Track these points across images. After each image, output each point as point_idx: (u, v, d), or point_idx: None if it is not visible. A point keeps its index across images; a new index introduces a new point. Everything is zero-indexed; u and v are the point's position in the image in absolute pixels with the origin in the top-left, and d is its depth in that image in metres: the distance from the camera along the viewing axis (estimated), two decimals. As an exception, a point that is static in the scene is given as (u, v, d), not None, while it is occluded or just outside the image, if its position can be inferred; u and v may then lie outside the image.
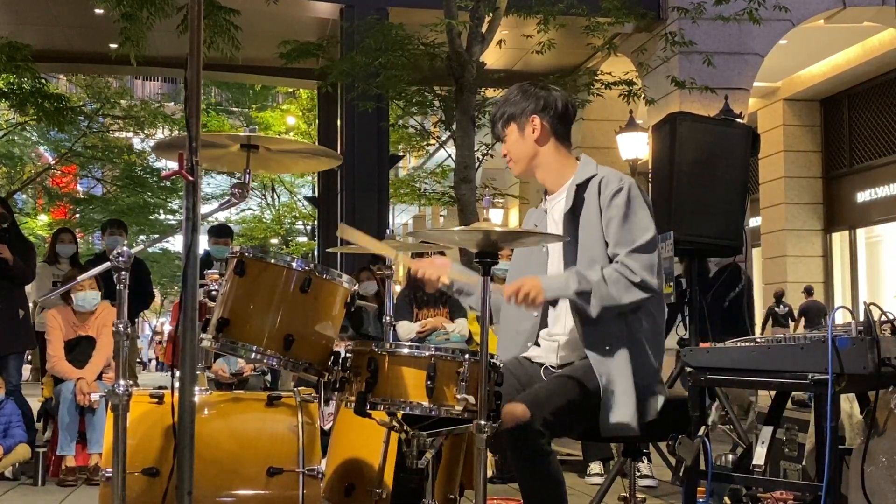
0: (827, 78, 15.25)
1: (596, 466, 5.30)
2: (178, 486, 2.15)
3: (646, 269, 2.65)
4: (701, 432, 2.69)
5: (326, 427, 4.48)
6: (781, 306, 14.41)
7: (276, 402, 3.15)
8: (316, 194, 17.66)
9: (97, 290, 5.65)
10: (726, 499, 3.10)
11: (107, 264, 2.42)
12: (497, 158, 13.13)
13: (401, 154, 17.56)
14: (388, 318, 3.68)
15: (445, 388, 2.45)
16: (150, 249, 20.06)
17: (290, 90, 21.08)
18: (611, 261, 2.71)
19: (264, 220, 25.14)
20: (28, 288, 6.35)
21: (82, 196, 24.21)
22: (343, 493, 3.24)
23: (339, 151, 11.18)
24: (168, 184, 19.92)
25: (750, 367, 2.65)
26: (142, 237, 22.51)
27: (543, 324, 2.90)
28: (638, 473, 3.31)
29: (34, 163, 22.89)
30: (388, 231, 3.62)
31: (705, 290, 4.89)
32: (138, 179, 21.37)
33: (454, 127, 9.37)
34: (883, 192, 15.13)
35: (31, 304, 6.52)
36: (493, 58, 10.54)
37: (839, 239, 16.13)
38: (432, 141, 13.53)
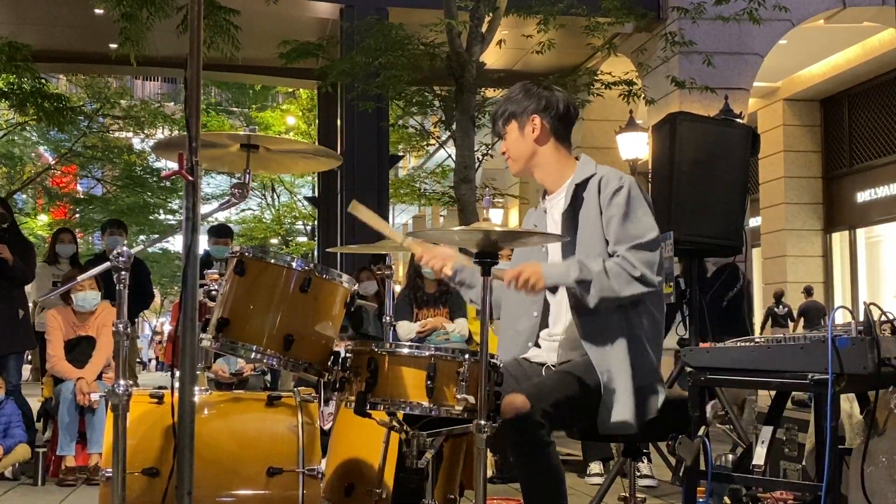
0: (827, 78, 15.25)
1: (596, 466, 5.30)
2: (178, 486, 2.15)
3: (646, 264, 2.65)
4: (701, 432, 2.69)
5: (326, 427, 4.48)
6: (781, 307, 14.41)
7: (276, 402, 3.15)
8: (316, 194, 17.66)
9: (97, 290, 5.65)
10: (726, 499, 3.10)
11: (107, 264, 2.43)
12: (497, 158, 13.12)
13: (401, 154, 17.57)
14: (388, 318, 3.68)
15: (445, 388, 2.45)
16: (150, 249, 20.07)
17: (290, 90, 21.08)
18: (611, 257, 2.71)
19: (264, 220, 25.14)
20: (28, 288, 6.35)
21: (82, 196, 24.21)
22: (343, 493, 3.24)
23: (339, 151, 11.20)
24: (168, 184, 19.93)
25: (750, 367, 2.65)
26: (142, 237, 22.52)
27: (544, 324, 2.90)
28: (638, 473, 3.31)
29: (34, 163, 22.89)
30: (388, 231, 3.61)
31: (703, 290, 4.89)
32: (138, 179, 21.37)
33: (454, 127, 9.37)
34: (883, 192, 15.13)
35: (30, 304, 6.52)
36: (493, 58, 10.54)
37: (839, 239, 16.14)
38: (432, 141, 13.53)
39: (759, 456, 2.73)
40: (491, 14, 8.78)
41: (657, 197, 4.58)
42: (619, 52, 10.75)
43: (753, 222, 16.14)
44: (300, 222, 24.78)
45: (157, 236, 21.92)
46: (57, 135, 20.35)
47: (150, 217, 23.02)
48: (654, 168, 4.89)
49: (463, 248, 2.91)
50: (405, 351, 2.52)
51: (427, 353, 2.48)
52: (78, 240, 7.82)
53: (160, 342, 23.78)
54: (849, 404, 3.23)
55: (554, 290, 2.77)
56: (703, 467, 2.69)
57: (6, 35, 11.53)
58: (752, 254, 13.73)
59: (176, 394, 2.22)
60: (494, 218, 2.49)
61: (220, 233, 6.82)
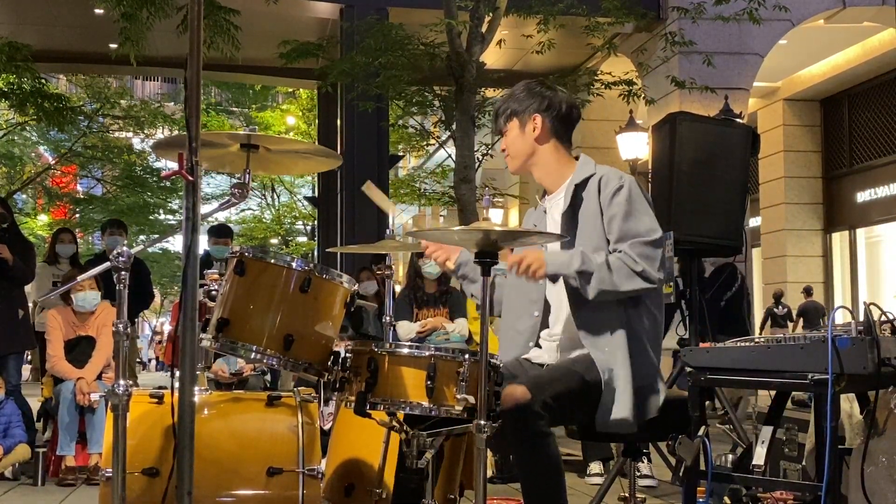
0: (827, 78, 15.25)
1: (596, 466, 5.30)
2: (178, 486, 2.15)
3: (648, 260, 2.65)
4: (701, 432, 2.69)
5: (326, 427, 4.48)
6: (780, 307, 14.41)
7: (276, 402, 3.15)
8: (316, 194, 17.67)
9: (97, 290, 5.64)
10: (726, 499, 3.10)
11: (107, 264, 2.42)
12: (497, 158, 13.12)
13: (401, 154, 17.57)
14: (388, 318, 3.68)
15: (445, 388, 2.45)
16: (150, 249, 20.07)
17: (290, 90, 21.09)
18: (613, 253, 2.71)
19: (264, 220, 25.14)
20: (28, 288, 6.34)
21: (82, 196, 24.21)
22: (343, 493, 3.24)
23: (339, 151, 11.19)
24: (168, 184, 19.94)
25: (750, 367, 2.65)
26: (142, 237, 22.52)
27: (544, 324, 2.90)
28: (638, 473, 3.31)
29: (34, 163, 22.89)
30: (388, 231, 3.61)
31: (702, 290, 4.89)
32: (138, 179, 21.38)
33: (454, 127, 9.37)
34: (883, 192, 15.13)
35: (30, 304, 6.52)
36: (493, 58, 10.54)
37: (839, 239, 16.14)
38: (432, 141, 13.54)
39: (759, 456, 2.73)
40: (491, 14, 8.78)
41: (657, 197, 4.58)
42: (619, 52, 10.75)
43: (753, 222, 16.14)
44: (300, 222, 24.78)
45: (157, 236, 21.93)
46: (57, 135, 20.36)
47: (150, 217, 23.03)
48: (654, 168, 4.89)
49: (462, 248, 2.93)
50: (405, 351, 2.52)
51: (427, 353, 2.48)
52: (78, 240, 7.82)
53: (160, 342, 23.78)
54: (849, 404, 3.23)
55: (554, 279, 2.76)
56: (703, 467, 2.69)
57: (6, 35, 11.53)
58: (752, 254, 13.73)
59: (176, 394, 2.22)
60: (494, 218, 2.49)
61: (220, 233, 6.81)
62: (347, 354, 2.60)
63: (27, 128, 19.67)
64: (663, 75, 10.68)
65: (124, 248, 2.37)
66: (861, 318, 2.46)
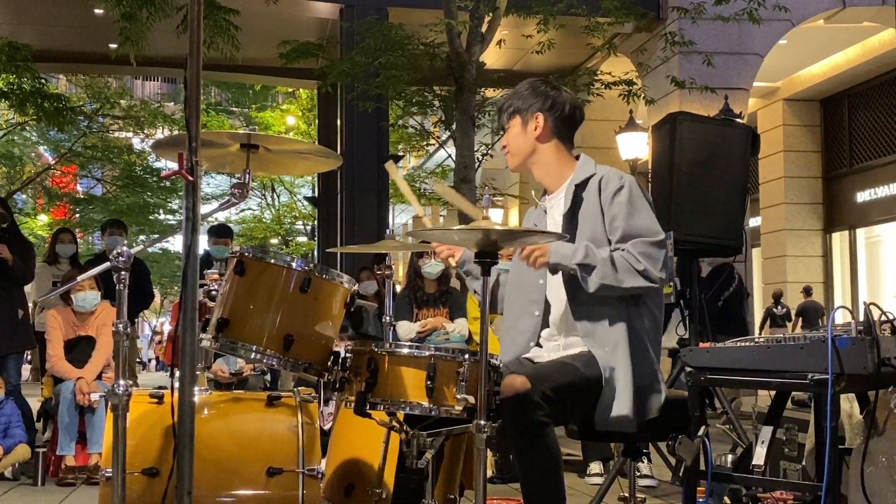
0: (827, 78, 15.25)
1: (596, 466, 5.30)
2: (177, 486, 2.15)
3: (650, 260, 2.65)
4: (701, 432, 2.69)
5: (326, 427, 4.48)
6: (780, 307, 14.42)
7: (276, 402, 3.15)
8: (316, 194, 17.66)
9: (97, 290, 5.64)
10: (726, 499, 3.10)
11: (107, 264, 2.42)
12: (497, 158, 13.13)
13: (401, 154, 17.56)
14: (388, 318, 3.68)
15: (445, 388, 2.45)
16: (150, 249, 20.08)
17: (290, 90, 21.08)
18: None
19: (264, 220, 25.14)
20: (28, 288, 6.34)
21: (82, 196, 24.21)
22: (343, 493, 3.24)
23: (339, 151, 11.20)
24: (168, 184, 19.93)
25: (750, 367, 2.65)
26: (142, 237, 22.52)
27: (545, 324, 2.90)
28: (638, 473, 3.32)
29: (34, 163, 22.89)
30: (388, 231, 3.61)
31: (691, 290, 4.88)
32: (138, 179, 21.38)
33: (454, 127, 9.38)
34: (883, 192, 15.13)
35: (30, 304, 6.52)
36: (492, 58, 10.55)
37: (839, 239, 16.14)
38: (432, 141, 13.54)
39: (759, 456, 2.73)
40: (491, 14, 8.79)
41: (657, 197, 4.58)
42: (619, 52, 10.76)
43: (753, 222, 16.14)
44: (300, 222, 24.78)
45: (157, 236, 21.93)
46: (57, 135, 20.36)
47: (150, 217, 23.02)
48: (654, 168, 4.89)
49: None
50: (405, 351, 2.52)
51: (427, 354, 2.48)
52: (78, 240, 7.82)
53: (160, 342, 23.77)
54: (849, 404, 3.23)
55: (554, 271, 2.76)
56: (703, 467, 2.69)
57: (6, 35, 11.53)
58: (752, 254, 13.73)
59: (176, 394, 2.21)
60: (494, 218, 2.49)
61: (220, 233, 6.81)
62: (347, 354, 2.60)
63: (27, 128, 19.67)
64: (663, 75, 10.68)
65: (124, 248, 2.37)
66: (861, 318, 2.46)
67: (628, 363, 2.66)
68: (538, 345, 2.89)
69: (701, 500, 2.83)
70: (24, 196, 22.97)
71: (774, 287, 15.21)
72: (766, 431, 2.78)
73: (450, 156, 10.64)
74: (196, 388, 2.33)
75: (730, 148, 4.72)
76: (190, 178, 2.14)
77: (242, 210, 24.81)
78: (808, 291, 14.61)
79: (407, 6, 11.77)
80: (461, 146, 8.75)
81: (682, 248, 4.68)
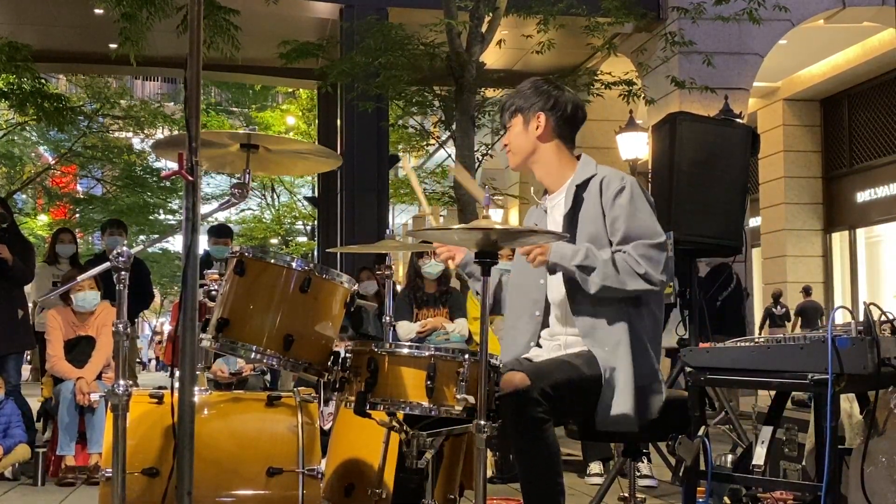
0: (827, 78, 15.26)
1: (596, 466, 5.30)
2: (177, 486, 2.15)
3: (651, 262, 2.66)
4: (701, 432, 2.69)
5: (326, 427, 4.48)
6: (779, 307, 14.43)
7: (276, 402, 3.15)
8: (316, 194, 17.67)
9: (97, 290, 5.64)
10: (726, 499, 3.10)
11: (107, 264, 2.42)
12: (497, 158, 13.14)
13: (401, 154, 17.56)
14: (388, 318, 3.68)
15: (445, 388, 2.45)
16: (150, 249, 20.07)
17: (290, 90, 21.09)
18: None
19: (264, 220, 25.14)
20: (28, 288, 6.34)
21: (82, 196, 24.21)
22: (343, 493, 3.24)
23: (339, 151, 11.20)
24: (168, 184, 19.93)
25: (750, 367, 2.65)
26: (142, 237, 22.52)
27: (545, 324, 2.90)
28: (638, 473, 3.31)
29: (34, 163, 22.89)
30: (388, 231, 3.61)
31: (691, 290, 4.89)
32: (138, 179, 21.38)
33: (454, 127, 9.37)
34: (883, 192, 15.13)
35: (30, 304, 6.52)
36: (492, 58, 10.55)
37: (839, 239, 16.14)
38: (432, 141, 13.54)
39: (759, 456, 2.73)
40: (491, 14, 8.79)
41: (657, 197, 4.56)
42: (619, 52, 10.76)
43: (753, 222, 16.14)
44: (300, 222, 24.78)
45: (157, 236, 21.94)
46: (57, 135, 20.36)
47: (150, 217, 23.02)
48: (654, 168, 4.89)
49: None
50: (405, 351, 2.52)
51: (427, 354, 2.48)
52: (78, 240, 7.82)
53: (160, 342, 23.78)
54: (849, 404, 3.23)
55: (552, 271, 2.76)
56: (703, 467, 2.69)
57: (6, 35, 11.53)
58: (752, 254, 13.72)
59: (176, 394, 2.21)
60: (494, 217, 2.49)
61: (220, 233, 6.81)
62: (347, 354, 2.59)
63: (27, 128, 19.67)
64: (663, 75, 10.68)
65: (124, 248, 2.37)
66: (861, 318, 2.46)
67: (629, 363, 2.66)
68: (538, 345, 2.90)
69: (701, 500, 2.83)
70: (24, 196, 22.97)
71: (774, 287, 15.22)
72: (766, 431, 2.78)
73: (450, 156, 10.65)
74: (196, 388, 2.33)
75: (730, 148, 4.72)
76: (190, 178, 2.14)
77: (242, 210, 24.84)
78: (807, 291, 14.62)
79: (407, 6, 11.76)
80: (461, 146, 8.75)
81: (682, 248, 4.68)
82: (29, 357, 11.57)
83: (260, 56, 13.13)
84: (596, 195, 2.78)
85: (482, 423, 2.31)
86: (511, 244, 2.75)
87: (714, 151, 4.67)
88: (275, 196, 24.96)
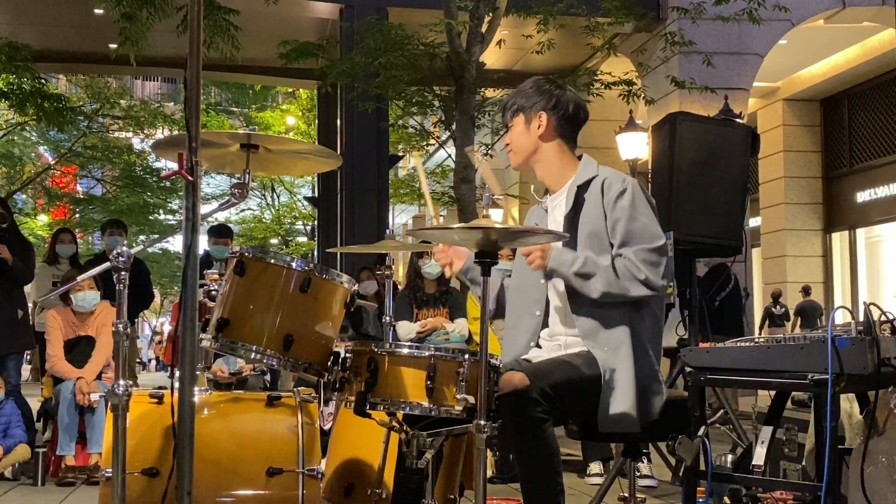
0: (827, 78, 15.26)
1: (596, 466, 5.30)
2: (177, 486, 2.15)
3: (651, 267, 2.65)
4: (701, 432, 2.69)
5: (326, 427, 4.48)
6: (778, 306, 14.45)
7: (276, 403, 3.15)
8: (316, 194, 17.67)
9: (96, 290, 5.64)
10: (726, 499, 3.10)
11: (106, 264, 2.42)
12: (497, 158, 13.14)
13: (401, 154, 17.57)
14: (388, 318, 3.67)
15: (445, 388, 2.45)
16: (150, 249, 20.07)
17: (290, 90, 21.09)
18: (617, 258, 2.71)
19: (264, 220, 25.15)
20: (28, 288, 6.34)
21: (82, 196, 24.22)
22: (343, 494, 3.24)
23: (339, 151, 11.20)
24: (168, 184, 19.95)
25: (750, 367, 2.65)
26: (142, 237, 22.53)
27: (545, 324, 2.90)
28: (638, 473, 3.31)
29: (34, 163, 22.90)
30: (388, 231, 3.61)
31: (691, 290, 4.88)
32: (138, 179, 21.39)
33: (454, 127, 9.38)
34: (883, 192, 15.14)
35: (30, 305, 6.52)
36: (492, 58, 10.55)
37: (839, 239, 16.14)
38: (432, 141, 13.54)
39: (759, 456, 2.73)
40: (491, 14, 8.79)
41: (657, 197, 4.54)
42: (618, 52, 10.76)
43: (753, 222, 16.14)
44: (300, 222, 24.79)
45: (157, 236, 21.94)
46: (57, 135, 20.37)
47: (150, 217, 23.03)
48: (654, 168, 4.89)
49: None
50: (405, 351, 2.52)
51: (427, 354, 2.48)
52: (78, 240, 7.82)
53: (160, 342, 23.77)
54: (849, 404, 3.23)
55: (549, 276, 2.76)
56: (703, 467, 2.69)
57: (6, 35, 11.54)
58: (752, 254, 13.73)
59: (176, 394, 2.21)
60: (494, 217, 2.49)
61: (220, 233, 6.81)
62: (347, 354, 2.59)
63: (27, 128, 19.68)
64: (663, 75, 10.68)
65: (124, 248, 2.37)
66: (861, 318, 2.46)
67: (631, 364, 2.66)
68: (537, 345, 2.89)
69: (701, 500, 2.83)
70: (24, 196, 22.98)
71: (774, 287, 15.22)
72: (766, 431, 2.78)
73: (450, 156, 10.65)
74: (196, 388, 2.33)
75: (730, 148, 4.72)
76: (190, 178, 2.14)
77: (242, 210, 24.85)
78: (806, 291, 14.64)
79: (407, 6, 11.77)
80: (461, 146, 8.75)
81: (682, 248, 4.68)
82: (29, 357, 11.57)
83: (260, 56, 13.14)
84: (597, 196, 2.77)
85: (482, 423, 2.31)
86: (511, 244, 2.74)
87: (714, 151, 4.67)
88: (275, 196, 24.96)
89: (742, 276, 8.49)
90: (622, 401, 2.63)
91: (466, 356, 2.48)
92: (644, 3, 10.76)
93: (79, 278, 4.71)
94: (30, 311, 6.26)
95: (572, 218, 2.80)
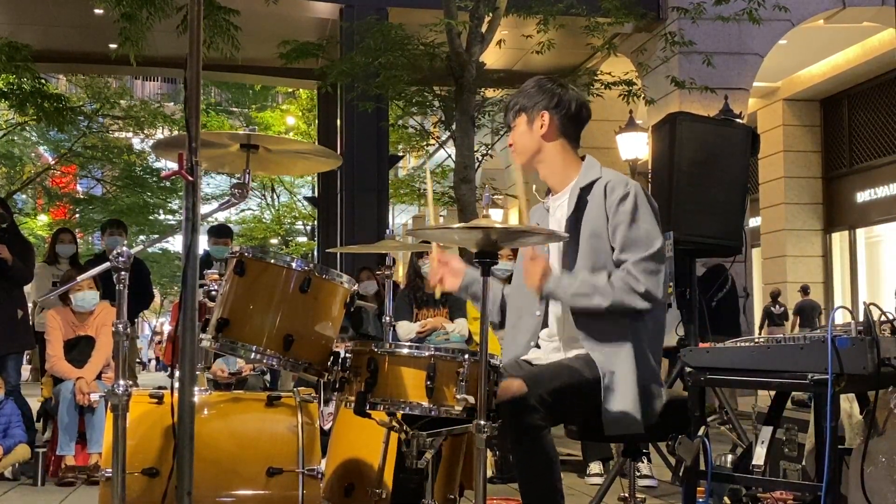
0: (827, 78, 15.26)
1: (596, 466, 5.30)
2: (177, 486, 2.15)
3: (651, 277, 2.65)
4: (701, 432, 2.69)
5: (326, 427, 4.48)
6: (777, 306, 14.46)
7: (276, 403, 3.15)
8: (316, 194, 17.67)
9: (95, 289, 5.64)
10: (726, 499, 3.10)
11: (106, 264, 2.42)
12: (497, 158, 13.16)
13: (401, 154, 17.57)
14: (388, 318, 3.67)
15: (445, 388, 2.45)
16: (150, 249, 20.08)
17: (290, 90, 21.09)
18: (616, 265, 2.71)
19: (264, 220, 25.15)
20: (28, 288, 6.34)
21: (82, 196, 24.22)
22: (343, 494, 3.24)
23: (338, 151, 11.20)
24: (168, 184, 19.95)
25: (750, 367, 2.65)
26: (142, 237, 22.52)
27: (544, 324, 2.89)
28: (638, 473, 3.32)
29: (34, 163, 22.90)
30: (388, 231, 3.62)
31: (691, 290, 4.89)
32: (138, 179, 21.39)
33: (454, 127, 9.38)
34: (883, 192, 15.14)
35: (30, 305, 6.52)
36: (492, 58, 10.55)
37: (839, 239, 16.15)
38: (432, 141, 13.55)
39: (759, 456, 2.73)
40: (491, 14, 8.79)
41: (657, 197, 4.56)
42: (618, 52, 10.76)
43: (753, 222, 16.15)
44: (300, 222, 24.79)
45: (157, 236, 21.93)
46: (57, 135, 20.37)
47: (150, 217, 23.03)
48: (653, 168, 4.89)
49: (462, 247, 2.92)
50: (405, 351, 2.52)
51: (427, 354, 2.48)
52: (78, 240, 7.82)
53: (160, 342, 23.78)
54: (849, 404, 3.23)
55: (543, 297, 2.77)
56: (703, 467, 2.69)
57: (6, 35, 11.54)
58: (751, 254, 13.73)
59: (176, 394, 2.21)
60: (494, 217, 2.49)
61: (220, 233, 6.82)
62: (347, 354, 2.59)
63: (27, 128, 19.68)
64: (663, 75, 10.69)
65: (124, 248, 2.37)
66: (861, 318, 2.46)
67: (632, 365, 2.65)
68: (537, 345, 2.89)
69: (701, 500, 2.83)
70: (24, 196, 22.98)
71: (774, 287, 15.23)
72: (766, 431, 2.78)
73: (450, 156, 10.65)
74: (196, 388, 2.33)
75: (730, 148, 4.72)
76: (190, 178, 2.14)
77: (242, 210, 24.86)
78: (805, 290, 14.66)
79: (407, 6, 11.77)
80: (461, 146, 8.76)
81: (682, 248, 4.69)
82: (29, 357, 11.58)
83: (260, 56, 13.14)
84: (600, 199, 2.76)
85: (482, 423, 2.31)
86: (511, 244, 2.73)
87: (714, 151, 4.67)
88: (275, 196, 24.97)
89: (742, 276, 8.50)
90: (625, 402, 2.63)
91: (466, 356, 2.48)
92: (644, 3, 10.76)
93: (78, 278, 4.71)
94: (30, 311, 6.26)
95: (574, 221, 2.79)
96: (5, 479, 5.33)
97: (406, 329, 5.76)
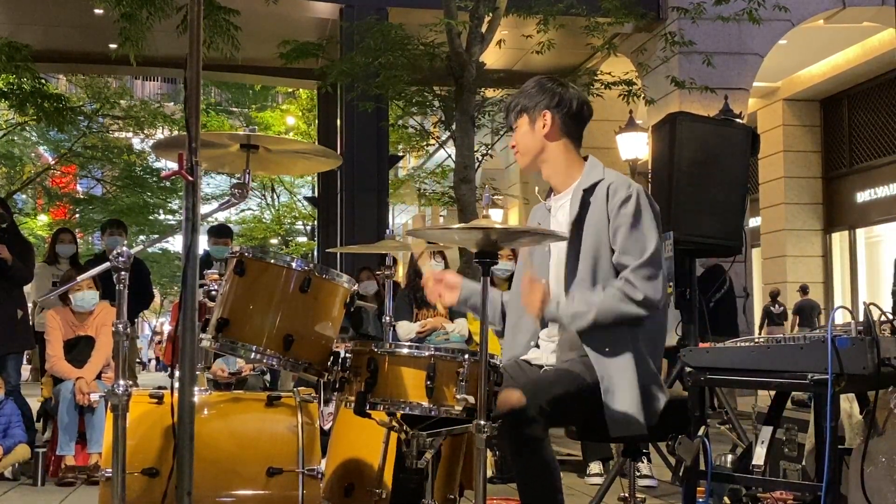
0: (827, 78, 15.26)
1: (596, 466, 5.30)
2: (177, 486, 2.15)
3: (649, 283, 2.64)
4: (701, 432, 2.69)
5: (326, 427, 4.48)
6: (777, 305, 14.46)
7: (276, 402, 3.15)
8: (316, 194, 17.68)
9: (95, 289, 5.64)
10: (726, 499, 3.10)
11: (106, 264, 2.42)
12: (497, 158, 13.16)
13: (401, 154, 17.57)
14: (387, 318, 3.67)
15: (445, 388, 2.45)
16: (150, 249, 20.08)
17: (290, 90, 21.10)
18: (616, 269, 2.71)
19: (264, 220, 25.15)
20: (28, 288, 6.34)
21: (82, 196, 24.22)
22: (343, 494, 3.24)
23: (338, 151, 11.20)
24: (168, 184, 19.95)
25: (750, 367, 2.65)
26: (142, 237, 22.52)
27: (543, 324, 2.89)
28: (638, 473, 3.31)
29: (34, 163, 22.90)
30: (388, 231, 3.62)
31: (692, 290, 4.89)
32: (138, 179, 21.40)
33: (454, 127, 9.38)
34: (883, 192, 15.14)
35: (30, 305, 6.51)
36: (492, 58, 10.55)
37: (839, 239, 16.15)
38: (432, 141, 13.55)
39: (759, 456, 2.73)
40: (491, 14, 8.79)
41: (657, 197, 4.56)
42: (618, 52, 10.76)
43: (753, 222, 16.15)
44: (300, 222, 24.79)
45: (157, 236, 21.93)
46: (57, 135, 20.37)
47: (150, 217, 23.03)
48: (653, 168, 4.89)
49: (462, 247, 2.91)
50: (405, 351, 2.51)
51: (427, 354, 2.48)
52: (78, 240, 7.82)
53: (160, 342, 23.78)
54: (849, 404, 3.23)
55: (544, 322, 2.78)
56: (703, 467, 2.69)
57: (6, 35, 11.54)
58: (751, 254, 13.73)
59: (176, 394, 2.21)
60: (494, 217, 2.49)
61: (220, 233, 6.82)
62: (347, 354, 2.59)
63: (27, 128, 19.68)
64: (663, 75, 10.69)
65: (124, 248, 2.37)
66: (861, 318, 2.46)
67: (633, 366, 2.65)
68: (536, 346, 2.89)
69: (701, 500, 2.83)
70: (24, 196, 22.98)
71: (773, 287, 15.23)
72: (766, 431, 2.78)
73: (450, 156, 10.65)
74: (196, 388, 2.33)
75: (730, 148, 4.72)
76: (190, 178, 2.14)
77: (242, 210, 24.85)
78: (804, 290, 14.66)
79: (407, 6, 11.78)
80: (461, 146, 8.75)
81: (682, 248, 4.69)
82: (29, 357, 11.57)
83: (260, 56, 13.14)
84: (602, 201, 2.75)
85: (482, 423, 2.31)
86: (511, 244, 2.73)
87: (714, 151, 4.67)
88: (275, 196, 24.97)
89: (742, 276, 8.50)
90: (628, 404, 2.62)
91: (466, 356, 2.48)
92: (644, 3, 10.76)
93: (78, 278, 4.71)
94: (30, 311, 6.25)
95: (577, 223, 2.79)
96: (5, 479, 5.33)
97: (406, 329, 5.76)
